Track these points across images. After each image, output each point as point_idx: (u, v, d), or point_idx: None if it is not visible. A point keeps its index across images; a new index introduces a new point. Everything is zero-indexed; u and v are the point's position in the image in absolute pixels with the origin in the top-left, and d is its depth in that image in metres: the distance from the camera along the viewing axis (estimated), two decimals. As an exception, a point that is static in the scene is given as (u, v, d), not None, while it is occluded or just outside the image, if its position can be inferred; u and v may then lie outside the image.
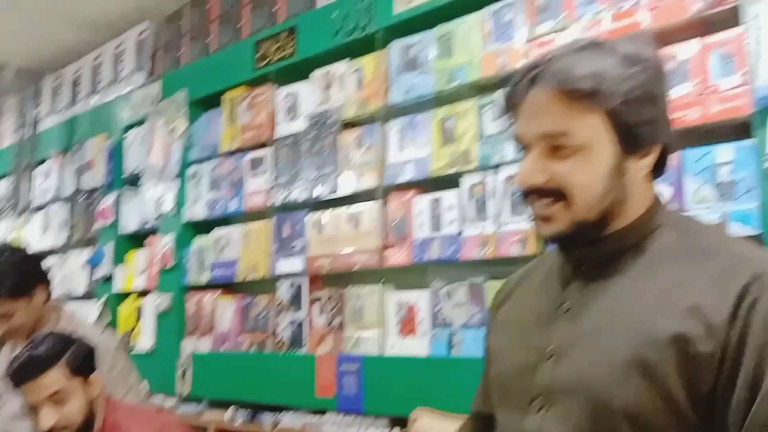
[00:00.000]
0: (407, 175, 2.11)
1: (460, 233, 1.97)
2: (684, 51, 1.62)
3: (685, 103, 1.58)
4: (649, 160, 0.82)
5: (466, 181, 1.97)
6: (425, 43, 2.12)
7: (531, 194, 0.82)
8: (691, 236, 0.82)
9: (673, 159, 1.57)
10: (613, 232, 0.83)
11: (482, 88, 1.97)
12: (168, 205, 2.86)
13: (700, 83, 1.58)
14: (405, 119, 2.16)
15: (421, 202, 2.08)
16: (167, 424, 1.68)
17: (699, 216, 1.51)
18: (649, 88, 0.80)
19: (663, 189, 1.59)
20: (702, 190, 1.55)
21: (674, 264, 0.79)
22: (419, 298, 2.04)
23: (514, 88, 0.83)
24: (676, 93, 1.60)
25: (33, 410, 1.52)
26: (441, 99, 2.09)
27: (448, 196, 2.02)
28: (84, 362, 1.59)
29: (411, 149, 2.13)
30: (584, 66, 0.78)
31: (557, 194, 0.80)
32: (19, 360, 1.55)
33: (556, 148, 0.80)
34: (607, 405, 0.75)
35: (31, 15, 3.37)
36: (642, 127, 0.79)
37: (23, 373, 1.52)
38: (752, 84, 1.48)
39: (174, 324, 2.78)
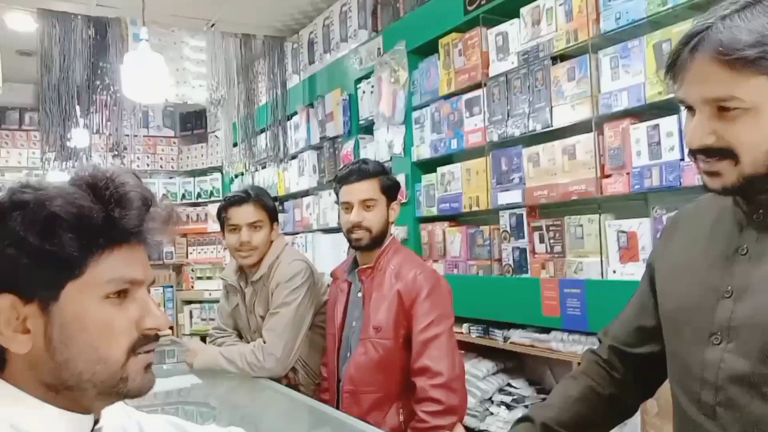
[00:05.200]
0: (622, 104, 2.10)
1: (681, 159, 1.94)
2: None
3: None
4: None
5: (686, 106, 1.92)
6: (635, -35, 2.05)
7: (698, 153, 0.86)
8: None
9: None
10: None
11: (698, 7, 1.87)
12: (398, 147, 3.18)
13: None
14: (617, 47, 2.13)
15: (638, 131, 2.07)
16: (440, 279, 1.87)
17: None
18: None
19: None
20: None
21: None
22: (640, 226, 2.07)
23: (675, 59, 0.85)
24: None
25: (347, 207, 1.91)
26: (654, 23, 2.02)
27: (666, 123, 1.99)
28: (392, 187, 1.93)
29: (625, 77, 2.11)
30: (745, 31, 0.78)
31: (725, 153, 0.83)
32: (349, 167, 1.95)
33: (723, 109, 0.82)
34: None
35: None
36: None
37: (350, 176, 1.91)
38: None
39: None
